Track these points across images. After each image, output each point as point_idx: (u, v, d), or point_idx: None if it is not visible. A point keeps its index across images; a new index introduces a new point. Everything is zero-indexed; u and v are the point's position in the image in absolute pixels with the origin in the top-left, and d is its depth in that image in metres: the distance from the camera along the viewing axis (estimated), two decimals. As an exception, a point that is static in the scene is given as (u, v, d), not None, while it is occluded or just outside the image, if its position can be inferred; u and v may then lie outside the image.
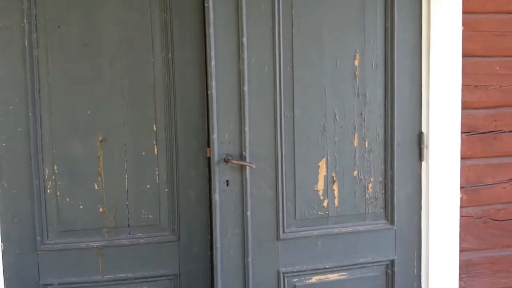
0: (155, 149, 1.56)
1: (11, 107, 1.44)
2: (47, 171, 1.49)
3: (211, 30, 1.45)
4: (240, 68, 1.50)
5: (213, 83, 1.47)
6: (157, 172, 1.57)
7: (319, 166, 1.64)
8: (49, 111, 1.47)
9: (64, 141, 1.50)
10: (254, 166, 1.53)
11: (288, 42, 1.56)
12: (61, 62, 1.46)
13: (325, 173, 1.65)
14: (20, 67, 1.43)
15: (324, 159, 1.64)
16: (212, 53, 1.46)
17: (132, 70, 1.51)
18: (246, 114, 1.52)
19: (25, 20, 1.41)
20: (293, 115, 1.60)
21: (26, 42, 1.42)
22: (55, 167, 1.50)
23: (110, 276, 1.58)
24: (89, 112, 1.50)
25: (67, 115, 1.49)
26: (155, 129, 1.55)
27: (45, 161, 1.49)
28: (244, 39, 1.49)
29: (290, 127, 1.60)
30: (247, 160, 1.53)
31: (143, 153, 1.55)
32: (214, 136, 1.50)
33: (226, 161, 1.51)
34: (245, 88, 1.51)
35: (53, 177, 1.50)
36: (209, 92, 1.49)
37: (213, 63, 1.47)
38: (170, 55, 1.52)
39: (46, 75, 1.45)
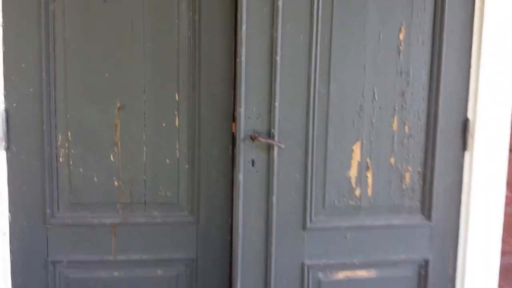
0: (177, 121, 1.44)
1: (23, 65, 1.34)
2: (60, 137, 1.39)
3: (243, -10, 1.32)
4: (274, 36, 1.36)
5: (242, 51, 1.34)
6: (177, 146, 1.45)
7: (352, 150, 1.50)
8: (64, 71, 1.36)
9: (79, 106, 1.39)
10: (283, 146, 1.39)
11: (327, 9, 1.41)
12: (79, 19, 1.35)
13: (359, 159, 1.50)
14: (34, 21, 1.32)
15: (358, 143, 1.50)
16: (244, 16, 1.33)
17: (155, 32, 1.39)
18: (277, 87, 1.38)
19: (41, -30, 1.31)
20: (328, 92, 1.45)
21: (42, -6, 1.32)
22: (69, 134, 1.39)
23: (123, 256, 1.47)
24: (107, 75, 1.38)
25: (83, 77, 1.38)
26: (177, 98, 1.42)
27: (58, 126, 1.38)
28: (280, 3, 1.35)
29: (324, 105, 1.45)
30: (276, 138, 1.40)
31: (163, 124, 1.43)
32: (241, 110, 1.36)
33: (252, 138, 1.38)
34: (278, 58, 1.38)
35: (66, 145, 1.39)
36: (237, 60, 1.35)
37: (244, 27, 1.33)
38: (197, 17, 1.39)
39: (62, 32, 1.34)
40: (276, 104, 1.39)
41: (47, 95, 1.35)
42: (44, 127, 1.36)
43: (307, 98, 1.43)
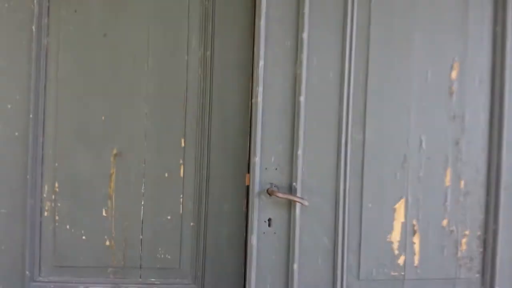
0: (181, 171, 1.23)
1: (9, 106, 1.20)
2: (46, 188, 1.21)
3: (262, 22, 1.13)
4: (297, 73, 1.15)
5: (259, 90, 1.13)
6: (181, 200, 1.23)
7: (395, 209, 1.22)
8: (54, 113, 1.20)
9: (70, 153, 1.22)
10: (307, 203, 1.14)
11: (363, 42, 1.19)
12: (75, 55, 1.20)
13: (403, 219, 1.23)
14: (24, 57, 1.19)
15: (402, 201, 1.22)
16: (261, 51, 1.13)
17: (161, 69, 1.22)
18: (301, 132, 1.16)
19: (35, 1, 1.18)
20: (364, 138, 1.21)
21: (34, 27, 1.19)
22: (56, 185, 1.21)
23: (114, 329, 1.23)
24: (103, 118, 1.21)
25: (76, 121, 1.22)
26: (183, 144, 1.22)
27: (44, 176, 1.21)
28: (305, 35, 1.15)
29: (359, 154, 1.21)
30: (298, 193, 1.16)
31: (166, 175, 1.22)
32: (256, 159, 1.14)
33: (270, 193, 1.14)
34: (302, 98, 1.16)
35: (53, 197, 1.21)
36: (253, 101, 1.15)
37: (261, 63, 1.13)
38: (209, 53, 1.21)
39: (55, 70, 1.19)
40: (299, 152, 1.16)
41: (34, 140, 1.20)
42: (28, 176, 1.20)
43: (338, 146, 1.19)
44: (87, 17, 1.19)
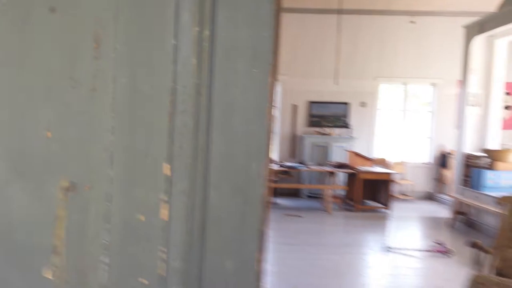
0: (164, 211, 0.82)
1: None
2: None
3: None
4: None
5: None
6: (165, 256, 0.81)
7: None
8: None
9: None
10: None
11: None
12: (3, 29, 0.81)
13: None
14: None
15: None
16: None
17: (135, 57, 0.81)
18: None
19: None
20: None
21: None
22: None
23: None
24: (50, 135, 0.81)
25: (6, 141, 0.82)
26: (168, 172, 0.81)
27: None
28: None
29: None
30: None
31: (142, 218, 0.81)
32: None
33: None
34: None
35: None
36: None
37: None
38: (207, 33, 0.80)
39: None
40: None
41: None
42: None
43: None
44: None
